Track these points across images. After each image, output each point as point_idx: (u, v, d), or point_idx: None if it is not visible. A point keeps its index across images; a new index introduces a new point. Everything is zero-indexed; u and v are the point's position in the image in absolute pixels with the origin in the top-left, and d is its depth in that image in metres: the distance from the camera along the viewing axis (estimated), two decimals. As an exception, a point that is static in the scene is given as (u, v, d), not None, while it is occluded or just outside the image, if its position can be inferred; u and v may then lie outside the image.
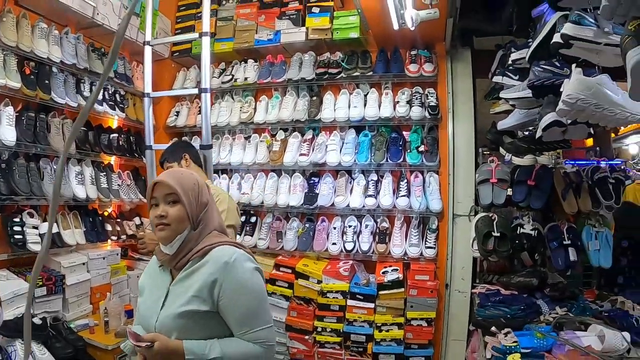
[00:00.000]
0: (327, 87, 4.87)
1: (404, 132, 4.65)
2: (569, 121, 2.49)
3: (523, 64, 3.12)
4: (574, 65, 2.16)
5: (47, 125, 4.09)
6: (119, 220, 4.95)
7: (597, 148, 5.06)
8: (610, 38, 2.05)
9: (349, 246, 4.48)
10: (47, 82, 4.00)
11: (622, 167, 5.49)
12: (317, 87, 4.91)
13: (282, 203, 4.71)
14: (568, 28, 2.07)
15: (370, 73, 4.64)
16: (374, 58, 4.73)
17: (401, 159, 4.48)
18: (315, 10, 4.74)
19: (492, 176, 3.91)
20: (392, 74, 4.60)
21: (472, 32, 4.50)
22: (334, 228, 4.62)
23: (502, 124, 3.70)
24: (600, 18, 2.06)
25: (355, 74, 4.67)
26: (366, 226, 4.55)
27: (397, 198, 4.43)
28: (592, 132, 2.76)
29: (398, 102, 4.53)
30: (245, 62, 5.14)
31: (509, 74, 3.47)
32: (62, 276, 3.89)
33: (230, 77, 5.12)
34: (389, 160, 4.50)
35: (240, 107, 5.07)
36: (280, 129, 5.01)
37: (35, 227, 3.83)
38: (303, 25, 4.80)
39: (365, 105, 4.64)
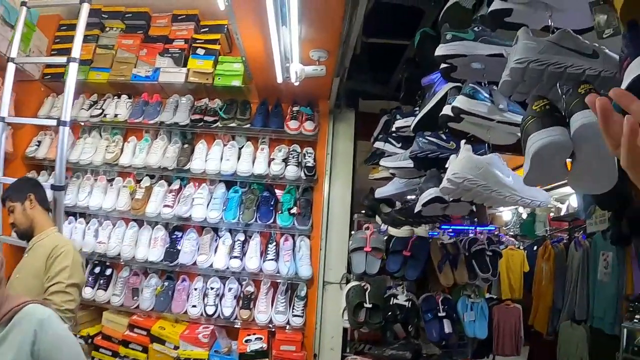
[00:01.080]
0: (201, 135, 4.49)
1: (277, 192, 4.39)
2: (452, 198, 2.33)
3: (407, 132, 3.03)
4: (463, 142, 2.01)
5: None
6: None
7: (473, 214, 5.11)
8: (504, 116, 1.95)
9: (210, 310, 4.03)
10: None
11: (496, 233, 5.64)
12: (190, 134, 4.51)
13: (140, 257, 4.17)
14: (461, 101, 1.92)
15: (248, 125, 4.36)
16: (254, 110, 4.46)
17: (271, 220, 4.18)
18: (200, 52, 4.39)
19: (367, 244, 3.75)
20: (270, 129, 4.35)
21: (359, 93, 4.43)
22: (195, 289, 4.15)
23: (380, 192, 3.59)
24: (496, 93, 1.94)
25: (232, 124, 4.35)
26: (230, 289, 4.14)
27: (264, 261, 4.10)
28: (474, 208, 2.64)
29: (273, 159, 4.26)
30: (119, 97, 4.61)
31: (391, 140, 3.37)
32: None
33: (100, 111, 4.53)
34: (258, 220, 4.17)
35: (107, 146, 4.49)
36: (147, 175, 4.50)
37: None
38: (185, 65, 4.41)
39: (238, 159, 4.32)
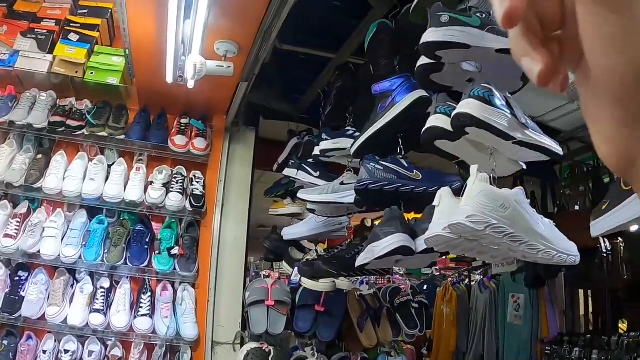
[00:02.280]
0: (62, 144, 3.48)
1: (155, 225, 3.48)
2: (424, 248, 1.66)
3: (333, 158, 2.34)
4: (474, 168, 1.32)
5: None
6: None
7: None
8: (526, 134, 1.29)
9: None
10: None
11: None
12: (49, 141, 3.50)
13: None
14: (473, 107, 1.28)
15: (123, 136, 3.44)
16: (132, 118, 3.56)
17: (146, 263, 3.27)
18: (73, 37, 3.39)
19: (268, 297, 3.07)
20: (150, 143, 3.46)
21: (262, 110, 3.71)
22: (44, 351, 3.09)
23: (289, 233, 2.96)
24: (513, 102, 1.31)
25: (101, 133, 3.40)
26: (90, 353, 3.15)
27: (136, 317, 3.17)
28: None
29: (152, 182, 3.37)
30: None
31: (307, 168, 2.74)
32: None
33: None
34: (128, 261, 3.24)
35: None
36: None
37: None
38: (51, 52, 3.38)
39: (106, 179, 3.37)
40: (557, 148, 1.40)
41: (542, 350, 4.66)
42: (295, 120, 3.62)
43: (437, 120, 1.40)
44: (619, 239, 4.12)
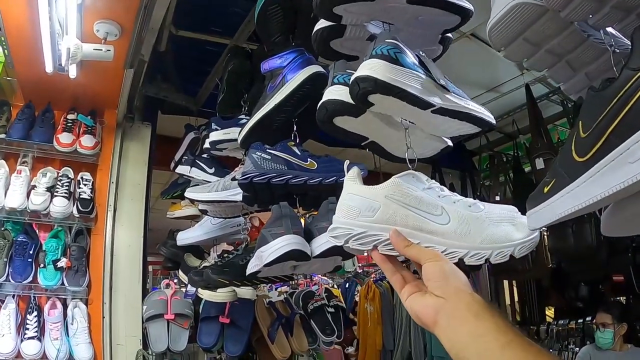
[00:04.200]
0: None
1: (43, 236, 3.04)
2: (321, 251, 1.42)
3: (226, 151, 2.08)
4: (346, 163, 1.05)
5: None
6: None
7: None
8: (448, 99, 1.07)
9: None
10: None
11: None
12: None
13: None
14: (377, 68, 1.02)
15: (3, 135, 3.00)
16: (14, 115, 3.12)
17: (30, 278, 2.84)
18: None
19: (168, 310, 2.79)
20: (33, 142, 3.04)
21: (159, 104, 3.40)
22: None
23: (183, 238, 2.70)
24: (429, 62, 1.10)
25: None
26: None
27: (22, 340, 2.73)
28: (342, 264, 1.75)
29: (35, 186, 2.95)
30: None
31: (201, 164, 2.48)
32: None
33: None
34: (11, 278, 2.79)
35: None
36: None
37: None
38: None
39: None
40: (487, 115, 1.15)
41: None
42: (195, 114, 3.31)
43: (334, 92, 1.12)
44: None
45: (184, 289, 3.02)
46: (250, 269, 1.57)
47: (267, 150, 1.57)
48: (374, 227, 0.95)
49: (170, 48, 2.96)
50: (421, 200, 0.99)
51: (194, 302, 2.86)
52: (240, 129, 1.95)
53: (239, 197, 1.84)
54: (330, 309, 2.96)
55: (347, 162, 1.04)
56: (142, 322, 2.89)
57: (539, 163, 3.64)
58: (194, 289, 2.68)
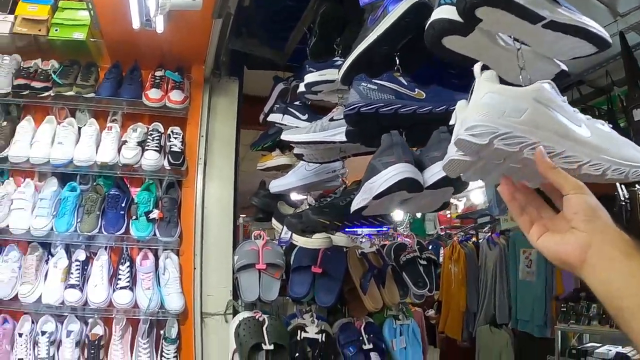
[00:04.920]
0: (30, 109, 3.14)
1: (134, 190, 3.12)
2: (435, 181, 1.34)
3: (321, 95, 2.03)
4: (477, 67, 0.96)
5: None
6: None
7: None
8: (558, 11, 0.97)
9: None
10: None
11: (391, 233, 4.93)
12: (16, 107, 3.15)
13: None
14: None
15: (92, 95, 3.07)
16: (102, 75, 3.20)
17: (123, 230, 2.93)
18: None
19: (259, 260, 2.76)
20: (123, 99, 3.09)
21: (245, 58, 3.35)
22: (20, 334, 2.77)
23: (276, 185, 2.65)
24: None
25: (69, 93, 3.03)
26: (69, 333, 2.81)
27: (115, 290, 2.83)
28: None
29: (126, 141, 3.02)
30: None
31: (293, 111, 2.45)
32: None
33: None
34: (103, 230, 2.90)
35: None
36: None
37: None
38: (12, 12, 3.08)
39: (77, 142, 3.02)
40: (604, 32, 1.05)
41: (557, 307, 4.43)
42: (281, 68, 3.24)
43: (441, 12, 1.05)
44: (637, 186, 3.81)
45: (275, 240, 3.01)
46: (357, 204, 1.50)
47: (373, 80, 1.49)
48: (520, 129, 0.85)
49: (254, 3, 2.90)
50: (563, 108, 0.91)
51: (286, 252, 2.85)
52: (335, 70, 1.88)
53: (339, 137, 1.77)
54: (423, 262, 2.87)
55: (477, 65, 0.95)
56: (233, 273, 2.91)
57: (637, 114, 3.41)
58: (287, 236, 2.66)
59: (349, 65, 1.61)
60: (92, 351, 2.77)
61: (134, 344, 2.88)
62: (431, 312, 6.28)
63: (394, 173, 1.34)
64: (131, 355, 2.84)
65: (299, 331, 2.68)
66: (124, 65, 3.23)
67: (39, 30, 3.06)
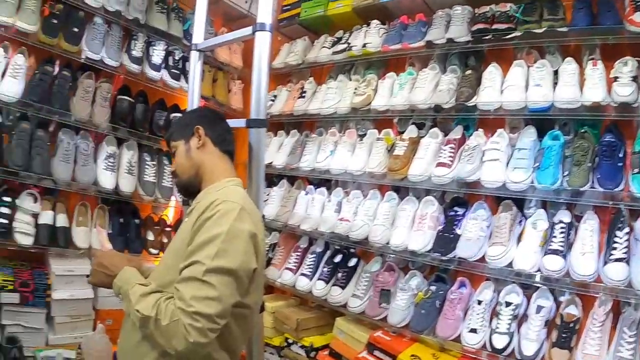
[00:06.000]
0: (491, 55, 2.93)
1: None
2: None
3: None
4: None
5: (72, 86, 3.15)
6: (168, 228, 3.63)
7: None
8: None
9: (500, 340, 2.39)
10: (75, 30, 3.12)
11: None
12: (474, 57, 3.02)
13: (397, 243, 2.82)
14: None
15: (564, 29, 2.54)
16: (569, 8, 2.64)
17: (620, 186, 2.29)
18: None
19: None
20: (601, 30, 2.43)
21: None
22: (479, 302, 2.58)
23: None
24: None
25: (537, 30, 2.61)
26: (539, 309, 2.42)
27: (605, 263, 2.23)
28: None
29: (617, 78, 2.32)
30: (368, 25, 3.44)
31: None
32: (46, 286, 2.97)
33: (345, 45, 3.45)
34: (596, 185, 2.31)
35: (355, 89, 3.36)
36: (413, 123, 3.16)
37: (34, 215, 2.98)
38: None
39: (555, 84, 2.55)
40: None
41: None
42: None
43: None
44: None
45: None
46: None
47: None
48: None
49: None
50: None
51: None
52: None
53: None
54: None
55: None
56: None
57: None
58: None
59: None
60: (565, 335, 2.28)
61: (614, 335, 2.24)
62: None
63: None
64: (608, 348, 2.21)
65: None
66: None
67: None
